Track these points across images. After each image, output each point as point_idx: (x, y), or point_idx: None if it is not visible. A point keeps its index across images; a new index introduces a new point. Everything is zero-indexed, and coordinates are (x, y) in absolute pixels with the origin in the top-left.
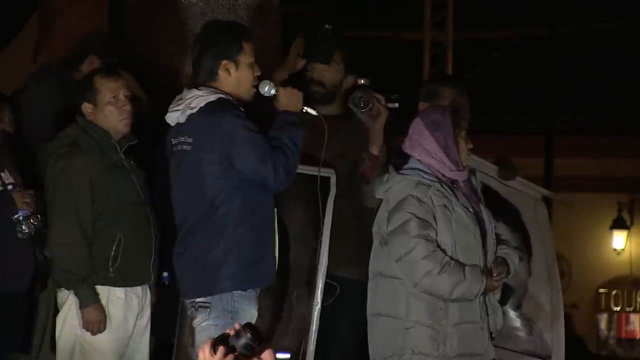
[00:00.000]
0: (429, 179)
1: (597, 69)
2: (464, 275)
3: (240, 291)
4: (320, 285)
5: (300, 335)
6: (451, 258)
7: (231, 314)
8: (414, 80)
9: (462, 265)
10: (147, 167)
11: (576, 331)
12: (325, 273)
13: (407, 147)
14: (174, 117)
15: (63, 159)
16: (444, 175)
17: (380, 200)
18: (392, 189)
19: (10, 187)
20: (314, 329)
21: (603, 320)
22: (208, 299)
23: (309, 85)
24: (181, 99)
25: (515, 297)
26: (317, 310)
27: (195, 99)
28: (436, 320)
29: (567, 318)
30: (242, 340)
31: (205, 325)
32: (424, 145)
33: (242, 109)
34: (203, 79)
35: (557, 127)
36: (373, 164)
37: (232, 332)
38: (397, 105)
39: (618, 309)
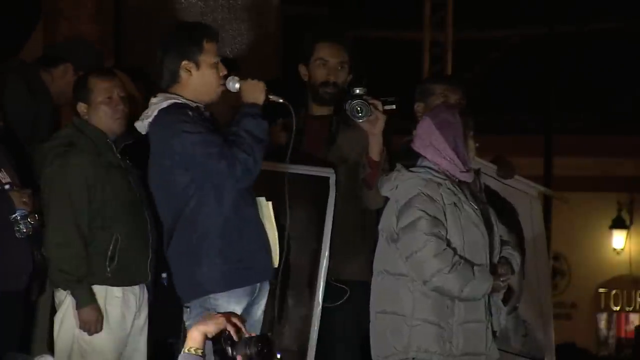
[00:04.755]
0: (439, 177)
1: (597, 69)
2: (473, 275)
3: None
4: (321, 286)
5: (300, 335)
6: (460, 257)
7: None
8: (414, 80)
9: (471, 264)
10: (146, 166)
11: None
12: (326, 274)
13: (418, 146)
14: (140, 126)
15: (59, 159)
16: (452, 175)
17: (383, 201)
18: (401, 186)
19: (7, 186)
20: (315, 329)
21: (603, 319)
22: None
23: (320, 87)
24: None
25: (513, 298)
26: (318, 310)
27: (151, 107)
28: (443, 318)
29: (567, 318)
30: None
31: (188, 324)
32: (434, 145)
33: (193, 111)
34: (166, 84)
35: (557, 127)
36: (374, 169)
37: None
38: (394, 106)
39: (618, 308)
